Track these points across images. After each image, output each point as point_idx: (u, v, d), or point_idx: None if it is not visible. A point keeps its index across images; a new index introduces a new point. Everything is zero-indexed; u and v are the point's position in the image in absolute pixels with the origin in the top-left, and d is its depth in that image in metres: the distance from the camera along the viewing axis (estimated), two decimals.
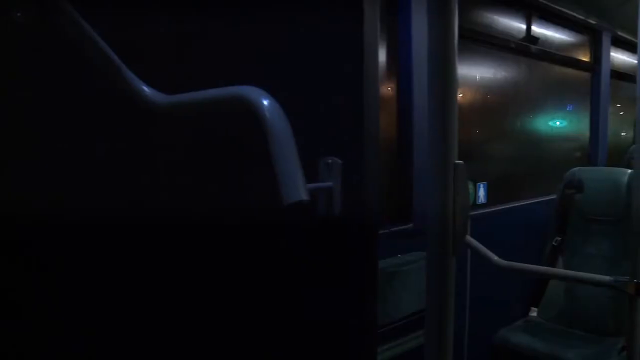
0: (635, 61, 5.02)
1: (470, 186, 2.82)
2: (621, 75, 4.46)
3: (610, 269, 2.84)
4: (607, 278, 1.91)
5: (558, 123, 3.97)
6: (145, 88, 1.05)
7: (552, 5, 3.39)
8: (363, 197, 1.11)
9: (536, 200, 3.34)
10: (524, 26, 3.31)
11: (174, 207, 1.23)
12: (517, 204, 3.19)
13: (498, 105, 3.25)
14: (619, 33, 4.03)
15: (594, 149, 4.04)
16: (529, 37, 3.32)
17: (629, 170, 2.95)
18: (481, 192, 2.90)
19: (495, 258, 2.16)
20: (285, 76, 1.17)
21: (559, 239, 3.09)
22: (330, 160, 1.13)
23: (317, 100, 1.16)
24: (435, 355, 1.03)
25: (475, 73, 3.07)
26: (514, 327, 2.91)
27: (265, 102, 0.90)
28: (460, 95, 2.95)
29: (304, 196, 0.85)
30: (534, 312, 3.08)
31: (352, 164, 1.11)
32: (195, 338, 1.29)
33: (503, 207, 3.06)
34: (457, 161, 0.97)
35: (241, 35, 1.23)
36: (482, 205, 2.92)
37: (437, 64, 0.96)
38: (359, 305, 1.15)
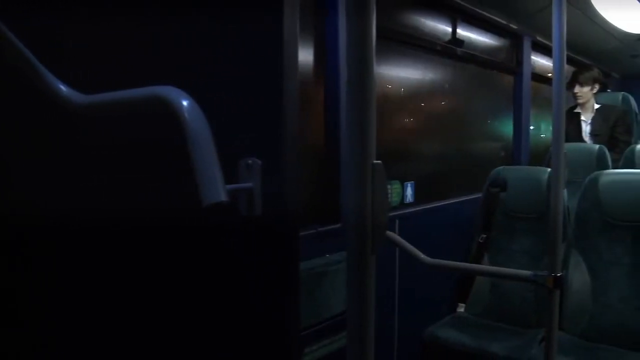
0: (549, 63, 5.26)
1: (398, 185, 2.87)
2: (541, 78, 4.65)
3: (533, 264, 2.96)
4: (527, 273, 1.99)
5: (483, 124, 4.10)
6: (63, 87, 1.03)
7: (476, 9, 3.49)
8: (284, 197, 1.11)
9: (463, 199, 3.44)
10: (449, 29, 3.40)
11: (93, 208, 1.20)
12: (444, 203, 3.27)
13: (426, 107, 3.33)
14: (539, 38, 4.20)
15: (517, 149, 4.20)
16: (455, 39, 3.41)
17: (549, 169, 3.08)
18: (409, 192, 2.95)
19: (422, 256, 2.21)
20: (204, 76, 1.16)
21: (484, 236, 3.19)
22: (250, 161, 1.13)
23: (237, 101, 1.15)
24: (357, 355, 1.04)
25: (405, 75, 3.13)
26: (442, 323, 2.98)
27: (183, 103, 0.89)
28: (390, 96, 3.00)
29: (223, 197, 0.85)
30: (461, 308, 3.16)
31: (272, 164, 1.11)
32: (115, 338, 1.26)
33: (430, 205, 3.13)
34: (375, 161, 0.98)
35: (159, 35, 1.21)
36: (410, 205, 2.97)
37: (354, 64, 0.97)
38: (280, 307, 1.15)
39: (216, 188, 0.85)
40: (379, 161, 0.99)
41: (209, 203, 0.85)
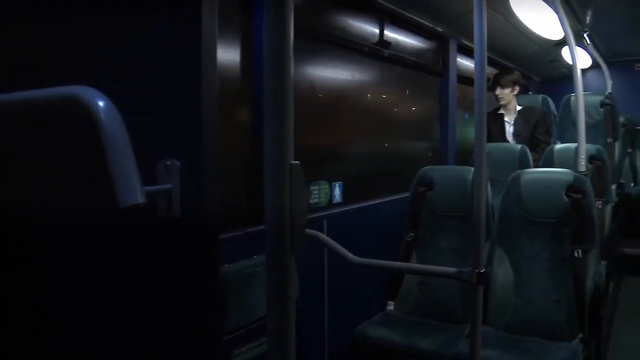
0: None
1: (326, 186, 2.89)
2: (468, 80, 4.78)
3: (459, 261, 3.03)
4: (452, 270, 2.04)
5: (411, 124, 4.18)
6: None
7: (403, 12, 3.56)
8: (203, 199, 1.11)
9: (391, 198, 3.49)
10: (377, 31, 3.44)
11: (7, 209, 1.16)
12: (372, 202, 3.31)
13: (354, 107, 3.35)
14: (464, 41, 4.32)
15: (443, 149, 4.30)
16: (382, 41, 3.46)
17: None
18: (337, 192, 2.97)
19: (350, 255, 2.23)
20: (120, 76, 1.14)
21: (412, 234, 3.25)
22: (168, 162, 1.12)
23: (154, 101, 1.14)
24: (278, 357, 1.04)
25: (334, 76, 3.15)
26: (372, 322, 3.01)
27: (99, 103, 0.87)
28: (318, 97, 3.01)
29: (140, 199, 0.84)
30: (391, 306, 3.21)
31: (191, 165, 1.11)
32: (30, 339, 1.22)
33: (359, 205, 3.16)
34: (293, 162, 0.99)
35: (73, 33, 1.18)
36: (338, 205, 2.99)
37: (272, 64, 0.97)
38: (202, 309, 1.14)
39: (133, 190, 0.84)
40: (296, 162, 0.99)
41: (126, 205, 0.83)
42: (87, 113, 0.88)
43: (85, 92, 0.90)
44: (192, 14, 1.08)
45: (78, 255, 1.20)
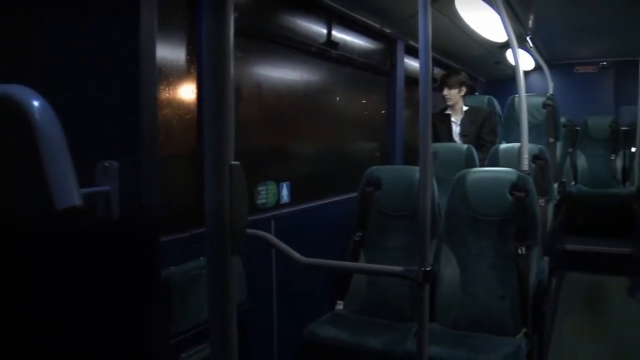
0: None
1: (274, 186, 2.88)
2: (415, 80, 4.84)
3: (407, 259, 3.06)
4: (398, 269, 2.05)
5: (360, 124, 4.20)
6: None
7: (351, 13, 3.58)
8: (142, 200, 1.09)
9: (339, 198, 3.50)
10: (325, 31, 3.45)
11: None
12: (320, 202, 3.32)
13: (302, 108, 3.35)
14: (411, 42, 4.38)
15: (391, 149, 4.34)
16: (330, 42, 3.46)
17: None
18: (284, 192, 2.97)
19: (297, 256, 2.23)
20: (57, 75, 1.11)
21: (360, 234, 3.27)
22: (107, 164, 1.09)
23: (92, 102, 1.11)
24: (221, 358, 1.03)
25: (282, 76, 3.13)
26: (321, 321, 3.01)
27: (34, 103, 0.85)
28: (265, 97, 2.99)
29: (77, 201, 0.82)
30: (340, 306, 3.21)
31: (131, 167, 1.08)
32: None
33: (307, 205, 3.16)
34: (233, 162, 0.98)
35: (8, 32, 1.14)
36: (286, 205, 2.98)
37: (211, 62, 0.96)
38: (144, 311, 1.12)
39: (69, 191, 0.82)
40: (236, 162, 0.98)
41: (62, 206, 0.81)
42: (21, 113, 0.85)
43: (19, 91, 0.87)
44: (129, 12, 1.06)
45: (14, 258, 1.16)
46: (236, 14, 2.45)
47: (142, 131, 1.08)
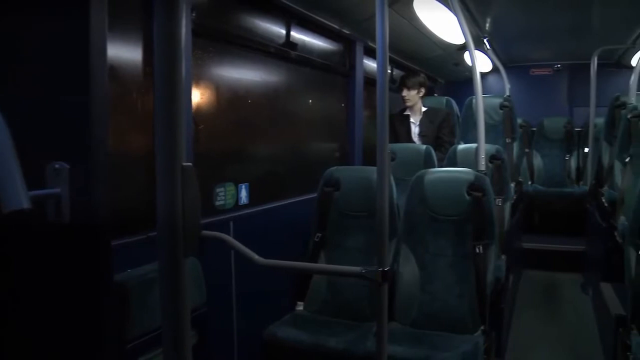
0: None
1: (232, 187, 2.86)
2: (374, 81, 4.87)
3: (366, 260, 3.07)
4: (357, 269, 2.06)
5: (319, 125, 4.20)
6: None
7: (310, 14, 3.58)
8: (93, 203, 1.07)
9: (299, 199, 3.50)
10: (284, 32, 3.44)
11: None
12: (280, 203, 3.32)
13: (261, 109, 3.34)
14: (370, 44, 4.40)
15: (350, 149, 4.36)
16: (289, 42, 3.46)
17: None
18: (243, 193, 2.95)
19: (256, 257, 2.21)
20: (4, 76, 1.08)
21: (320, 234, 3.27)
22: (57, 166, 1.07)
23: (42, 103, 1.09)
24: None
25: (240, 76, 3.12)
26: (281, 322, 3.00)
27: None
28: (224, 98, 2.97)
29: (25, 204, 0.80)
30: (300, 306, 3.21)
31: (81, 169, 1.06)
32: None
33: (266, 206, 3.15)
34: (184, 164, 0.97)
35: None
36: (245, 206, 2.97)
37: (162, 63, 0.95)
38: (96, 317, 1.10)
39: (17, 194, 0.79)
40: (188, 164, 0.97)
41: (9, 209, 0.79)
42: None
43: None
44: (78, 12, 1.04)
45: None
46: (194, 15, 2.44)
47: (93, 132, 1.06)
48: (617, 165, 4.27)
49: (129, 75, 2.23)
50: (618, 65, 7.32)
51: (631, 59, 6.66)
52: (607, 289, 4.10)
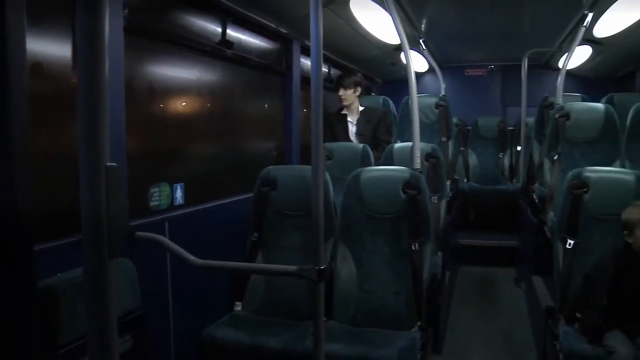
0: (323, 68, 5.56)
1: (167, 187, 2.82)
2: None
3: (303, 258, 3.07)
4: (293, 268, 2.06)
5: (256, 124, 4.18)
6: None
7: (247, 12, 3.55)
8: (14, 205, 1.02)
9: (236, 199, 3.47)
10: (219, 30, 3.40)
11: None
12: (217, 203, 3.28)
13: (197, 107, 3.29)
14: (307, 43, 4.41)
15: (287, 149, 4.35)
16: (225, 41, 3.42)
17: None
18: (178, 193, 2.91)
19: (192, 258, 2.18)
20: None
21: (257, 234, 3.25)
22: None
23: None
24: None
25: (174, 74, 3.06)
26: (219, 323, 2.97)
27: None
28: (158, 97, 2.92)
29: None
30: (238, 307, 3.19)
31: (1, 171, 1.02)
32: None
33: (203, 206, 3.11)
34: (109, 164, 0.94)
35: None
36: (181, 206, 2.92)
37: (85, 59, 0.92)
38: (22, 323, 1.06)
39: None
40: (113, 164, 0.94)
41: None
42: None
43: None
44: None
45: None
46: (126, 12, 2.39)
47: (11, 131, 1.01)
48: (547, 163, 4.42)
49: (54, 72, 2.16)
50: (547, 67, 7.60)
51: (558, 62, 6.92)
52: (538, 282, 4.25)
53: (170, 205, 2.84)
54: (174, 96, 3.06)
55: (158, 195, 2.75)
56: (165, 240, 2.32)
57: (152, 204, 2.71)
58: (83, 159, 0.93)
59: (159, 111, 2.93)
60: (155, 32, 2.80)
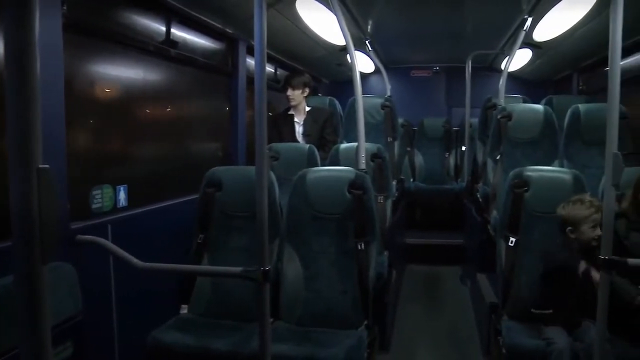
0: (269, 69, 5.56)
1: (110, 189, 2.76)
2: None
3: (250, 260, 3.05)
4: (238, 269, 2.06)
5: (202, 125, 4.14)
6: None
7: (191, 12, 3.51)
8: None
9: (182, 200, 3.43)
10: (163, 29, 3.35)
11: None
12: (162, 205, 3.23)
13: (141, 107, 3.23)
14: (253, 43, 4.39)
15: (233, 149, 4.32)
16: (169, 40, 3.37)
17: None
18: (122, 195, 2.85)
19: (135, 260, 2.16)
20: None
21: (202, 235, 3.22)
22: None
23: None
24: None
25: (115, 73, 2.99)
26: (165, 327, 2.93)
27: None
28: (99, 97, 2.85)
29: None
30: (184, 309, 3.15)
31: None
32: None
33: (147, 208, 3.06)
34: (41, 166, 0.92)
35: None
36: (124, 209, 2.87)
37: (14, 59, 0.89)
38: None
39: None
40: (45, 166, 0.92)
41: None
42: None
43: None
44: None
45: None
46: (64, 9, 2.33)
47: None
48: (490, 163, 4.53)
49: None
50: (490, 69, 7.79)
51: (501, 64, 7.10)
52: (482, 279, 4.35)
53: (113, 208, 2.78)
54: (117, 96, 3.00)
55: (100, 198, 2.69)
56: (108, 243, 2.28)
57: (94, 206, 2.65)
58: (13, 162, 0.90)
59: (101, 111, 2.87)
60: (97, 30, 2.74)
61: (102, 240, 2.34)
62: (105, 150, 2.95)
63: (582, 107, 4.21)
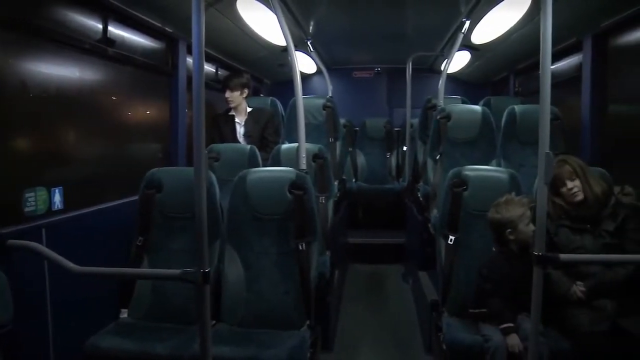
0: (210, 69, 5.52)
1: (44, 192, 2.67)
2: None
3: (191, 261, 3.01)
4: (177, 271, 2.04)
5: (141, 125, 4.06)
6: None
7: (130, 10, 3.44)
8: None
9: (121, 202, 3.36)
10: (100, 27, 3.27)
11: None
12: (100, 207, 3.16)
13: (76, 107, 3.14)
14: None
15: (173, 150, 4.26)
16: (106, 39, 3.30)
17: None
18: (57, 198, 2.77)
19: (70, 265, 2.11)
20: None
21: (142, 238, 3.16)
22: None
23: None
24: None
25: (48, 72, 2.89)
26: (104, 332, 2.87)
27: None
28: (31, 97, 2.75)
29: None
30: (124, 314, 3.09)
31: None
32: None
33: (85, 211, 2.99)
34: None
35: None
36: (60, 212, 2.79)
37: None
38: None
39: None
40: None
41: None
42: None
43: None
44: None
45: None
46: None
47: None
48: (430, 163, 4.61)
49: None
50: (430, 70, 7.95)
51: (441, 65, 7.25)
52: (424, 277, 4.44)
53: (48, 211, 2.69)
54: (52, 96, 2.89)
55: (34, 200, 2.60)
56: (41, 247, 2.22)
57: (27, 209, 2.56)
58: None
59: (35, 111, 2.77)
60: (28, 27, 2.64)
61: (34, 244, 2.27)
62: (39, 152, 2.85)
63: (517, 108, 4.33)
